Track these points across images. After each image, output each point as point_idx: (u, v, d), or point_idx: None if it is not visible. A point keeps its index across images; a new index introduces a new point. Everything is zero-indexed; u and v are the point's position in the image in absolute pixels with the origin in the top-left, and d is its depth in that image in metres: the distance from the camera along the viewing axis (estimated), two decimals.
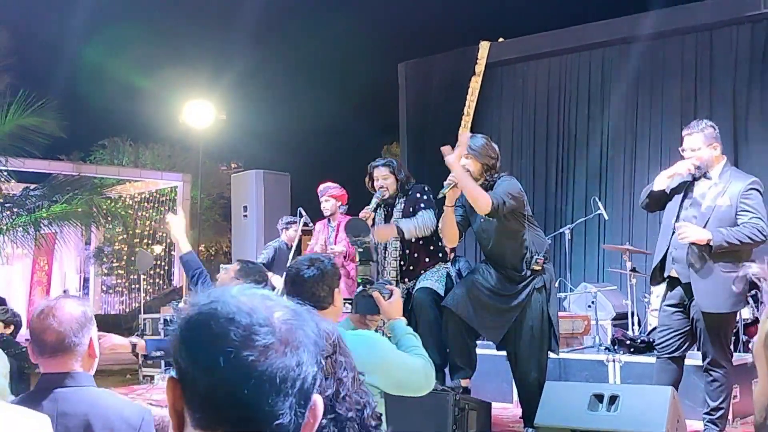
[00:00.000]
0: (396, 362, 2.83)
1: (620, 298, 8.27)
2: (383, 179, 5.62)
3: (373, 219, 5.67)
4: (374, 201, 5.57)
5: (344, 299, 4.01)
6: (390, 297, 3.25)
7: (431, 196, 5.55)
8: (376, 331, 3.39)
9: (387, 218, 5.64)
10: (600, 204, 8.76)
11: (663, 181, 4.97)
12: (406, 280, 5.61)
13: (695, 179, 4.92)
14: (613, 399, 4.78)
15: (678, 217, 4.92)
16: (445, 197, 5.09)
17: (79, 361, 2.38)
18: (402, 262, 5.58)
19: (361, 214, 5.56)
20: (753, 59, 9.52)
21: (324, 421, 2.38)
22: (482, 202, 4.88)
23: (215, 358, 1.00)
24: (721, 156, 4.93)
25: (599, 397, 4.84)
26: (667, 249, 4.97)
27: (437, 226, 5.48)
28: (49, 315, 2.35)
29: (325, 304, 2.92)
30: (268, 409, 1.00)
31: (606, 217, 8.96)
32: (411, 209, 5.57)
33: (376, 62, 14.91)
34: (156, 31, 18.91)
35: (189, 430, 1.03)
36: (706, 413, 4.92)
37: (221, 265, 4.19)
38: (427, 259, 5.58)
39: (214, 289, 1.09)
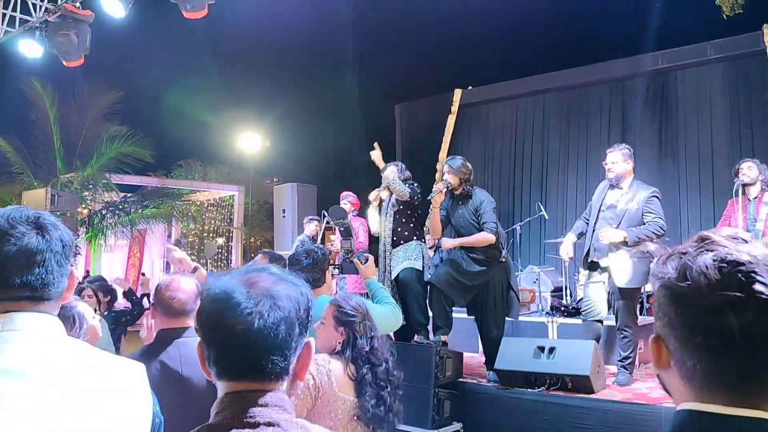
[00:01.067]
0: (377, 314, 2.84)
1: (557, 276, 8.27)
2: (391, 173, 5.57)
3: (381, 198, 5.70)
4: (383, 185, 5.60)
5: (333, 265, 4.05)
6: (366, 262, 3.30)
7: (419, 191, 5.50)
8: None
9: (389, 202, 5.61)
10: (542, 207, 8.76)
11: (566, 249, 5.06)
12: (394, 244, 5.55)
13: (611, 188, 4.91)
14: (552, 350, 4.78)
15: (597, 218, 4.91)
16: (429, 201, 5.11)
17: (192, 321, 2.38)
18: (394, 237, 5.52)
19: (372, 194, 5.64)
20: (652, 101, 9.53)
21: (364, 369, 2.41)
22: (487, 240, 4.95)
23: (206, 328, 1.05)
24: (632, 171, 4.92)
25: (541, 348, 4.83)
26: (591, 243, 4.97)
27: (416, 209, 5.52)
28: (176, 288, 2.38)
29: (320, 283, 3.00)
30: (248, 361, 1.02)
31: (546, 217, 8.96)
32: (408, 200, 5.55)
33: (380, 104, 14.90)
34: (219, 82, 18.91)
35: (213, 378, 1.07)
36: (619, 361, 4.91)
37: (254, 258, 3.96)
38: (406, 233, 5.49)
39: (212, 279, 1.12)
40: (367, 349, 2.49)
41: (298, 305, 1.07)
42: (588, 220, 5.04)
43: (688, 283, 0.80)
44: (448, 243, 5.08)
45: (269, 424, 1.00)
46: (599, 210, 4.93)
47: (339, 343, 2.51)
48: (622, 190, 4.84)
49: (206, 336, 1.05)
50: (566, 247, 5.09)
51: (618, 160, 4.84)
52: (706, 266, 0.80)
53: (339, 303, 2.59)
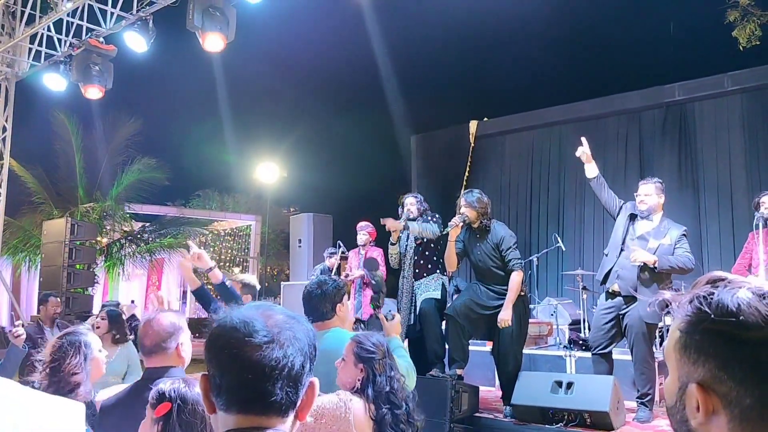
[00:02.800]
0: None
1: (574, 309, 8.17)
2: (410, 205, 5.65)
3: (401, 230, 5.63)
4: (403, 218, 5.59)
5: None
6: (392, 320, 3.15)
7: (440, 222, 5.52)
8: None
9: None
10: (559, 239, 8.70)
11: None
12: (416, 276, 5.56)
13: (640, 219, 4.88)
14: (570, 384, 4.71)
15: (623, 247, 4.84)
16: (448, 234, 5.09)
17: (170, 360, 2.32)
18: (416, 270, 5.54)
19: (392, 225, 5.56)
20: (670, 133, 9.50)
21: (384, 409, 2.37)
22: (520, 279, 4.92)
23: (223, 356, 1.04)
24: (662, 206, 4.90)
25: (559, 383, 4.76)
26: (612, 268, 4.89)
27: (438, 241, 5.49)
28: (149, 325, 2.32)
29: (329, 317, 2.87)
30: (263, 389, 1.02)
31: (563, 248, 8.89)
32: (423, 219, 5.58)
33: (396, 135, 14.99)
34: (237, 113, 19.18)
35: (219, 413, 1.06)
36: (638, 397, 4.82)
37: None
38: (429, 266, 5.53)
39: (228, 308, 1.11)
40: (387, 389, 2.43)
41: (309, 340, 1.09)
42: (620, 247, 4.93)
43: (741, 318, 0.80)
44: (507, 318, 4.96)
45: None
46: (624, 238, 4.87)
47: (359, 380, 2.46)
48: (652, 222, 4.81)
49: (220, 364, 1.04)
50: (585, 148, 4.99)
51: (651, 192, 4.85)
52: (749, 300, 0.80)
53: (359, 339, 2.55)
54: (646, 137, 9.74)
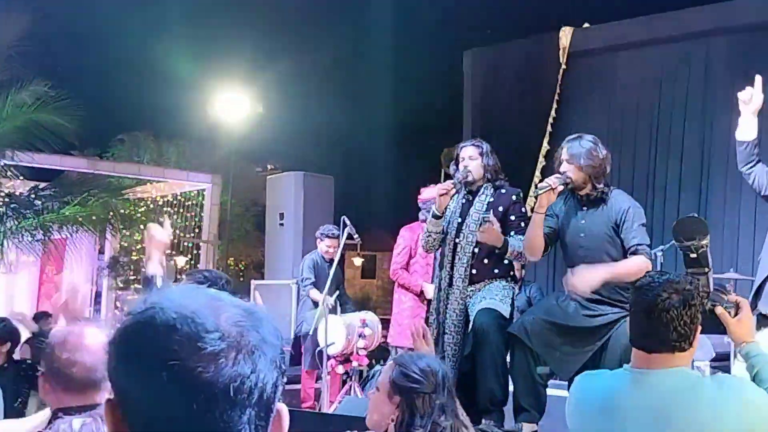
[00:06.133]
0: (755, 402, 2.60)
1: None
2: (469, 159, 5.61)
3: (451, 197, 5.66)
4: (456, 178, 5.61)
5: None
6: (736, 313, 2.93)
7: (524, 210, 5.59)
8: None
9: (467, 204, 5.61)
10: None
11: None
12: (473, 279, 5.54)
13: None
14: None
15: None
16: (534, 201, 5.11)
17: (104, 396, 2.33)
18: (473, 270, 5.52)
19: (440, 187, 5.63)
20: None
21: None
22: (642, 270, 4.57)
23: (156, 372, 1.01)
24: None
25: None
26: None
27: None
28: (78, 348, 2.36)
29: (683, 348, 2.66)
30: (222, 425, 1.02)
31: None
32: (501, 209, 5.53)
33: (437, 50, 14.92)
34: (185, 14, 19.13)
35: None
36: None
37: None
38: (495, 270, 5.52)
39: (151, 293, 1.10)
40: None
41: (280, 344, 1.11)
42: None
43: None
44: (583, 282, 4.85)
45: None
46: None
47: (391, 420, 2.63)
48: None
49: (150, 383, 1.02)
50: None
51: None
52: None
53: (403, 361, 2.74)
54: None
